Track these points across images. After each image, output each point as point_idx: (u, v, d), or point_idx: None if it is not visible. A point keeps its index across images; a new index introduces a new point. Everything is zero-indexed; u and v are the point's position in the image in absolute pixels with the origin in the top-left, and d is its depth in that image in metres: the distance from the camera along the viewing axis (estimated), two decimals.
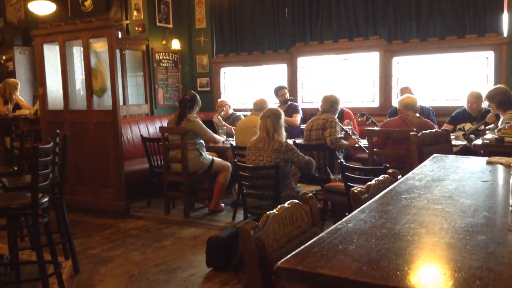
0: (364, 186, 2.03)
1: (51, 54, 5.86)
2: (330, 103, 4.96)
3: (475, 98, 5.05)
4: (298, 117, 6.27)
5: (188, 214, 5.28)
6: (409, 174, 2.35)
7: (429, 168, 2.54)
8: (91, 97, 5.48)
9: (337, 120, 4.92)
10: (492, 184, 2.14)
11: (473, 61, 6.01)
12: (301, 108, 6.55)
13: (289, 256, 1.27)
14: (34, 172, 3.00)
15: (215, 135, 5.43)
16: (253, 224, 1.47)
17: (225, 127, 6.06)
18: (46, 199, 3.17)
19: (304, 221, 1.73)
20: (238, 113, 6.45)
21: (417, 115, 4.83)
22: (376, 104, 6.55)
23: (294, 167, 4.41)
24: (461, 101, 5.65)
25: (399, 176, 2.28)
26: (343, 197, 3.87)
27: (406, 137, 4.05)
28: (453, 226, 1.52)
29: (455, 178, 2.26)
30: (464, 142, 4.66)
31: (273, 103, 6.08)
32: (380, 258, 1.24)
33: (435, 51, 6.08)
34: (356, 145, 5.01)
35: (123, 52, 7.00)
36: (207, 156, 5.33)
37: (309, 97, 7.11)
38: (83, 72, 5.58)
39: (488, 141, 3.55)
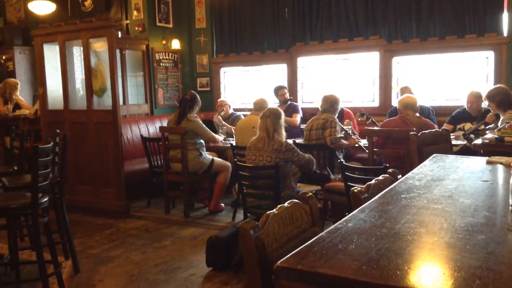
0: (364, 186, 2.03)
1: (51, 54, 5.86)
2: (330, 103, 4.96)
3: (475, 98, 5.05)
4: (298, 117, 6.27)
5: (188, 214, 5.28)
6: (409, 174, 2.35)
7: (429, 167, 2.54)
8: (91, 97, 5.48)
9: (337, 120, 4.92)
10: (492, 184, 2.14)
11: (473, 61, 6.01)
12: (301, 108, 6.55)
13: (289, 255, 1.27)
14: (34, 172, 3.00)
15: (215, 135, 5.43)
16: (253, 224, 1.47)
17: (225, 127, 6.06)
18: (46, 199, 3.17)
19: (304, 220, 1.73)
20: (238, 113, 6.45)
21: (417, 114, 4.83)
22: (376, 104, 6.55)
23: (294, 167, 4.41)
24: (461, 101, 5.65)
25: (399, 176, 2.28)
26: (343, 197, 3.87)
27: (406, 137, 4.05)
28: (453, 226, 1.52)
29: (455, 177, 2.26)
30: (464, 142, 4.66)
31: (273, 103, 6.08)
32: (380, 258, 1.24)
33: (435, 51, 6.08)
34: (356, 145, 5.01)
35: (123, 52, 7.00)
36: (207, 156, 5.33)
37: (309, 97, 7.11)
38: (83, 72, 5.58)
39: (488, 141, 3.55)
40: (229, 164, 5.34)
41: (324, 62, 6.92)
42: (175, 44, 7.65)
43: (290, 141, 4.23)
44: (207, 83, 7.88)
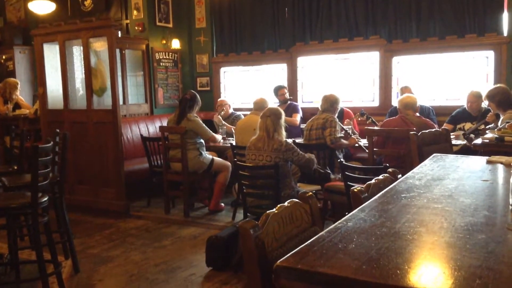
0: (364, 186, 2.03)
1: (51, 54, 5.85)
2: (330, 102, 4.96)
3: (475, 98, 5.04)
4: (297, 117, 6.27)
5: (188, 214, 5.28)
6: (409, 173, 2.35)
7: (429, 167, 2.54)
8: (91, 97, 5.48)
9: (337, 120, 4.92)
10: (492, 183, 2.14)
11: (473, 60, 6.01)
12: (301, 108, 6.55)
13: (288, 255, 1.27)
14: (34, 172, 2.99)
15: (215, 135, 5.43)
16: (252, 223, 1.47)
17: (225, 127, 6.05)
18: (46, 199, 3.17)
19: (304, 220, 1.73)
20: (238, 113, 6.45)
21: (417, 114, 4.83)
22: (376, 103, 6.55)
23: (294, 167, 4.41)
24: (461, 101, 5.65)
25: (399, 176, 2.28)
26: (343, 197, 3.87)
27: (406, 137, 4.05)
28: (453, 225, 1.52)
29: (455, 177, 2.26)
30: (464, 142, 4.66)
31: (272, 102, 6.08)
32: (380, 257, 1.24)
33: (435, 51, 6.08)
34: (356, 145, 5.01)
35: (123, 52, 7.00)
36: (207, 155, 5.33)
37: (309, 97, 7.11)
38: (83, 71, 5.58)
39: (488, 141, 3.55)
40: (229, 163, 5.34)
41: (324, 62, 6.92)
42: (175, 43, 7.65)
43: (290, 140, 4.23)
44: (207, 82, 7.88)
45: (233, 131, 5.61)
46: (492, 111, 4.67)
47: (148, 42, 7.34)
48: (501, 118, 4.29)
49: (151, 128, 6.71)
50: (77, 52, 5.76)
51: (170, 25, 7.64)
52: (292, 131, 5.74)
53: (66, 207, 3.86)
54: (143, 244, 4.41)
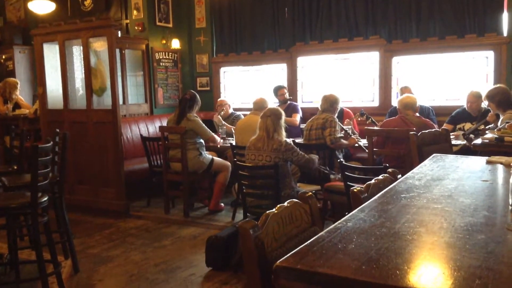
0: (363, 186, 2.03)
1: (51, 54, 5.85)
2: (330, 102, 4.96)
3: (475, 98, 5.04)
4: (297, 117, 6.27)
5: (188, 214, 5.28)
6: (409, 174, 2.35)
7: (429, 167, 2.54)
8: (90, 97, 5.48)
9: (337, 120, 4.92)
10: (491, 184, 2.14)
11: (473, 60, 6.01)
12: (301, 108, 6.56)
13: (288, 255, 1.27)
14: (34, 171, 2.99)
15: (215, 136, 5.43)
16: (252, 223, 1.47)
17: (225, 127, 6.05)
18: (45, 199, 3.17)
19: (304, 220, 1.73)
20: (238, 113, 6.45)
21: (417, 114, 4.83)
22: (376, 103, 6.55)
23: (294, 167, 4.41)
24: (461, 101, 5.65)
25: (399, 176, 2.28)
26: (343, 197, 3.87)
27: (406, 137, 4.05)
28: (452, 225, 1.52)
29: (454, 177, 2.26)
30: (464, 142, 4.66)
31: (272, 102, 6.08)
32: (379, 257, 1.24)
33: (435, 51, 6.08)
34: (356, 145, 5.01)
35: (123, 52, 7.00)
36: (207, 155, 5.33)
37: (309, 97, 7.11)
38: (83, 71, 5.57)
39: (487, 141, 3.55)
40: (228, 163, 5.34)
41: (324, 62, 6.92)
42: (175, 43, 7.65)
43: (289, 140, 4.23)
44: (207, 82, 7.88)
45: (233, 131, 5.61)
46: (491, 111, 4.67)
47: (148, 42, 7.34)
48: (501, 118, 4.29)
49: (151, 128, 6.71)
50: (77, 52, 5.76)
51: (170, 25, 7.64)
52: (292, 131, 5.73)
53: (66, 207, 3.86)
54: (143, 244, 4.41)
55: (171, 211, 5.48)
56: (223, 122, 6.11)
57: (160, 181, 5.47)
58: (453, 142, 4.44)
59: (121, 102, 6.40)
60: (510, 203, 1.68)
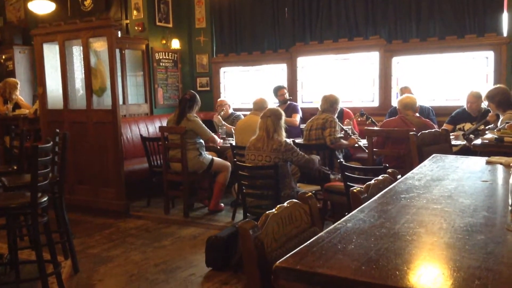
0: (363, 186, 2.03)
1: (51, 54, 5.85)
2: (330, 102, 4.96)
3: (475, 98, 5.04)
4: (297, 117, 6.27)
5: (188, 214, 5.28)
6: (409, 174, 2.35)
7: (429, 167, 2.54)
8: (90, 97, 5.48)
9: (337, 120, 4.92)
10: (491, 184, 2.14)
11: (473, 61, 6.01)
12: (301, 108, 6.55)
13: (288, 255, 1.27)
14: (34, 172, 3.00)
15: (215, 136, 5.43)
16: (252, 224, 1.47)
17: (225, 127, 6.06)
18: (45, 199, 3.17)
19: (303, 220, 1.73)
20: (238, 113, 6.45)
21: (417, 115, 4.83)
22: (375, 103, 6.55)
23: (294, 167, 4.41)
24: (461, 101, 5.64)
25: (399, 176, 2.28)
26: (342, 197, 3.87)
27: (406, 137, 4.05)
28: (452, 226, 1.52)
29: (454, 178, 2.26)
30: (464, 142, 4.66)
31: (272, 103, 6.08)
32: (379, 258, 1.24)
33: (435, 51, 6.08)
34: (356, 145, 5.01)
35: (123, 52, 7.00)
36: (207, 155, 5.33)
37: (309, 97, 7.11)
38: (83, 71, 5.57)
39: (487, 141, 3.55)
40: (228, 164, 5.34)
41: (324, 62, 6.92)
42: (175, 43, 7.65)
43: (289, 141, 4.23)
44: (207, 83, 7.88)
45: (233, 131, 5.61)
46: (491, 111, 4.67)
47: (148, 42, 7.34)
48: (501, 118, 4.29)
49: (151, 128, 6.71)
50: (77, 52, 5.76)
51: (170, 25, 7.64)
52: (292, 131, 5.73)
53: (66, 207, 3.86)
54: (143, 244, 4.41)
55: (171, 211, 5.48)
56: (223, 122, 6.11)
57: (160, 181, 5.47)
58: (453, 142, 4.44)
59: (121, 102, 6.40)
60: (510, 204, 1.68)
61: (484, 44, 5.78)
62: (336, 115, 5.01)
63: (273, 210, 1.61)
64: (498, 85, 4.80)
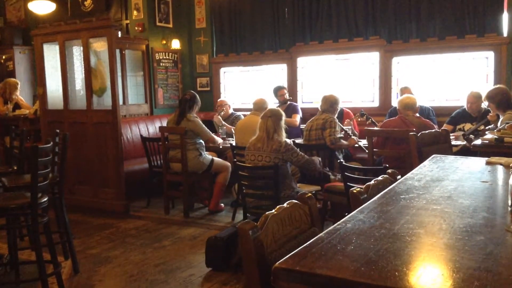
0: (363, 187, 2.03)
1: (51, 54, 5.86)
2: (330, 103, 4.96)
3: (475, 98, 5.04)
4: (297, 118, 6.27)
5: (188, 214, 5.28)
6: (408, 175, 2.35)
7: (429, 168, 2.54)
8: (90, 97, 5.49)
9: (337, 120, 4.92)
10: (491, 185, 2.14)
11: (473, 61, 6.01)
12: (301, 108, 6.55)
13: (287, 256, 1.27)
14: (34, 172, 3.00)
15: (215, 136, 5.43)
16: (251, 225, 1.47)
17: (225, 127, 6.06)
18: (45, 199, 3.17)
19: (303, 221, 1.73)
20: (238, 113, 6.45)
21: (417, 115, 4.82)
22: (376, 104, 6.55)
23: (294, 167, 4.41)
24: (461, 101, 5.65)
25: (398, 177, 2.28)
26: (343, 197, 3.87)
27: (406, 137, 4.05)
28: (452, 227, 1.52)
29: (454, 178, 2.26)
30: (464, 143, 4.66)
31: (272, 103, 6.08)
32: (378, 259, 1.24)
33: (435, 51, 6.08)
34: (356, 145, 5.01)
35: (123, 52, 7.00)
36: (207, 156, 5.33)
37: (309, 97, 7.11)
38: (83, 71, 5.58)
39: (487, 141, 3.55)
40: (228, 164, 5.34)
41: (324, 62, 6.92)
42: (175, 44, 7.66)
43: (289, 141, 4.24)
44: (207, 83, 7.88)
45: (233, 132, 5.61)
46: (491, 111, 4.67)
47: (148, 42, 7.35)
48: (501, 118, 4.29)
49: (151, 128, 6.71)
50: (77, 52, 5.76)
51: (170, 25, 7.64)
52: (292, 131, 5.73)
53: (66, 208, 3.86)
54: (142, 244, 4.41)
55: (171, 212, 5.48)
56: (223, 122, 6.11)
57: (160, 182, 5.47)
58: (453, 142, 4.44)
59: (121, 102, 6.40)
60: (510, 204, 1.68)
61: (484, 44, 5.78)
62: (336, 115, 5.01)
63: (273, 210, 1.61)
64: (498, 85, 4.80)
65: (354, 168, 3.92)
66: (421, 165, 2.66)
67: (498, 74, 5.74)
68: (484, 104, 4.95)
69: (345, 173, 3.66)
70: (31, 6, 7.08)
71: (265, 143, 4.06)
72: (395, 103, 5.76)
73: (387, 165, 3.59)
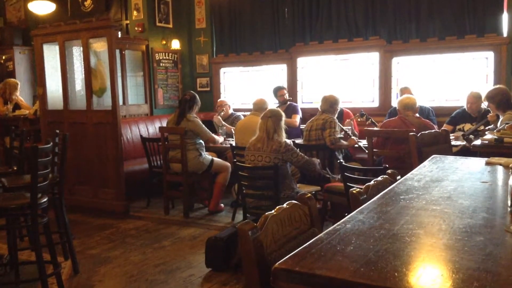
0: (363, 187, 2.03)
1: (51, 54, 5.86)
2: (330, 103, 4.96)
3: (475, 99, 5.04)
4: (297, 118, 6.27)
5: (188, 214, 5.28)
6: (408, 175, 2.35)
7: (428, 168, 2.54)
8: (90, 97, 5.49)
9: (337, 121, 4.92)
10: (491, 185, 2.14)
11: (472, 61, 6.01)
12: (301, 108, 6.55)
13: (287, 257, 1.27)
14: (34, 172, 3.00)
15: (214, 136, 5.43)
16: (251, 225, 1.47)
17: (224, 127, 6.06)
18: (45, 199, 3.17)
19: (303, 221, 1.73)
20: (238, 113, 6.45)
21: (417, 115, 4.82)
22: (375, 104, 6.55)
23: (293, 167, 4.41)
24: (460, 102, 5.65)
25: (398, 177, 2.28)
26: (342, 198, 3.87)
27: (406, 138, 4.05)
28: (451, 227, 1.52)
29: (454, 178, 2.26)
30: (464, 143, 4.66)
31: (272, 103, 6.08)
32: (378, 259, 1.24)
33: (434, 51, 6.08)
34: (356, 145, 5.01)
35: (123, 52, 7.00)
36: (207, 156, 5.33)
37: (309, 97, 7.11)
38: (83, 72, 5.58)
39: (487, 142, 3.55)
40: (228, 164, 5.34)
41: (324, 63, 6.93)
42: (175, 44, 7.66)
43: (289, 141, 4.24)
44: (207, 83, 7.88)
45: (233, 132, 5.61)
46: (491, 112, 4.67)
47: (148, 43, 7.35)
48: (501, 119, 4.29)
49: (151, 128, 6.71)
50: (77, 52, 5.76)
51: (170, 26, 7.64)
52: (292, 132, 5.73)
53: (66, 208, 3.86)
54: (142, 244, 4.41)
55: (171, 212, 5.48)
56: (223, 122, 6.11)
57: (160, 182, 5.47)
58: (453, 143, 4.44)
59: (121, 102, 6.40)
60: (509, 205, 1.68)
61: (484, 44, 5.78)
62: (336, 115, 5.01)
63: (273, 211, 1.61)
64: (498, 86, 4.80)
65: (354, 168, 3.92)
66: (421, 165, 2.66)
67: (498, 74, 5.74)
68: (484, 104, 4.95)
69: (345, 174, 3.66)
70: (31, 7, 7.08)
71: (265, 144, 4.06)
72: (395, 103, 5.76)
73: (387, 166, 3.59)
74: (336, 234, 1.44)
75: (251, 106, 5.58)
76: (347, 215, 1.65)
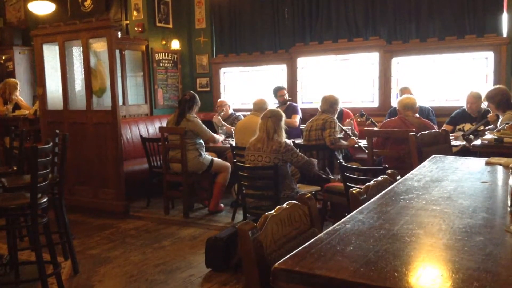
0: (363, 187, 2.03)
1: (51, 54, 5.86)
2: (330, 103, 4.96)
3: (475, 99, 5.04)
4: (297, 118, 6.27)
5: (188, 214, 5.28)
6: (408, 175, 2.35)
7: (428, 168, 2.54)
8: (90, 97, 5.49)
9: (337, 121, 4.92)
10: (491, 185, 2.14)
11: (472, 61, 6.01)
12: (301, 108, 6.55)
13: (287, 257, 1.27)
14: (34, 172, 3.00)
15: (215, 135, 5.43)
16: (251, 225, 1.47)
17: (224, 127, 6.06)
18: (45, 199, 3.17)
19: (303, 222, 1.73)
20: (238, 113, 6.45)
21: (417, 115, 4.82)
22: (375, 104, 6.55)
23: (293, 168, 4.41)
24: (460, 102, 5.65)
25: (398, 177, 2.28)
26: (342, 198, 3.87)
27: (406, 138, 4.05)
28: (451, 227, 1.52)
29: (454, 179, 2.26)
30: (464, 143, 4.66)
31: (272, 103, 6.08)
32: (377, 259, 1.24)
33: (434, 52, 6.08)
34: (356, 146, 5.01)
35: (123, 52, 7.00)
36: (207, 156, 5.33)
37: (309, 97, 7.11)
38: (83, 72, 5.58)
39: (487, 142, 3.55)
40: (228, 164, 5.34)
41: (324, 63, 6.92)
42: (175, 44, 7.66)
43: (289, 141, 4.23)
44: (207, 83, 7.88)
45: (233, 132, 5.61)
46: (491, 112, 4.67)
47: (148, 43, 7.35)
48: (501, 119, 4.29)
49: (151, 128, 6.71)
50: (76, 52, 5.76)
51: (170, 26, 7.64)
52: (292, 132, 5.73)
53: (66, 208, 3.86)
54: (142, 244, 4.41)
55: (171, 212, 5.48)
56: (223, 122, 6.11)
57: (160, 182, 5.47)
58: (453, 143, 4.44)
59: (121, 103, 6.41)
60: (509, 205, 1.68)
61: (484, 44, 5.78)
62: (336, 115, 5.01)
63: (273, 211, 1.61)
64: (498, 86, 4.80)
65: (354, 168, 3.92)
66: (421, 165, 2.66)
67: (497, 74, 5.74)
68: (484, 105, 4.95)
69: (345, 174, 3.66)
70: (31, 7, 7.08)
71: (265, 144, 4.06)
72: (395, 103, 5.75)
73: (387, 166, 3.59)
74: (336, 234, 1.44)
75: (251, 106, 5.58)
76: (347, 215, 1.65)
